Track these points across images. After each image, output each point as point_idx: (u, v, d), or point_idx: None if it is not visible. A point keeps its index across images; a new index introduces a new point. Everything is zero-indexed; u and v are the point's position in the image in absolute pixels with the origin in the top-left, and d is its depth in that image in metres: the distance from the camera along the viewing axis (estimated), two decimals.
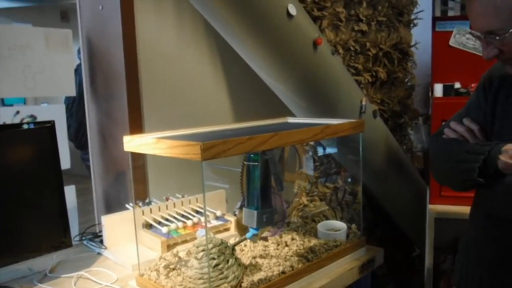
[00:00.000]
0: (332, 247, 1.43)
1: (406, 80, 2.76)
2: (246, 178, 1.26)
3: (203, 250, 1.18)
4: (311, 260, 1.34)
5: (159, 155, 1.12)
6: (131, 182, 1.62)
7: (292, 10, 1.63)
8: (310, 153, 2.21)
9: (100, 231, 1.61)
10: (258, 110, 2.17)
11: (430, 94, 2.13)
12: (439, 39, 2.02)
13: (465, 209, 1.35)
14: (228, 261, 1.18)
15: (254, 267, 1.27)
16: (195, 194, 1.71)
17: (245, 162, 1.25)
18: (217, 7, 1.56)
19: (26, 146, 1.33)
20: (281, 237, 1.50)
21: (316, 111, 1.91)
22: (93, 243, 1.57)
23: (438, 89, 2.00)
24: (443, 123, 1.33)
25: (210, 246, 1.18)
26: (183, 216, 1.60)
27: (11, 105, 2.66)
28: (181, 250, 1.37)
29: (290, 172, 1.61)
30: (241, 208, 1.29)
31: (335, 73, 1.90)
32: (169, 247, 1.44)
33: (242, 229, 1.35)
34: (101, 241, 1.56)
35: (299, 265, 1.30)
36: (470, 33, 1.13)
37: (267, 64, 1.76)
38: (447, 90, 1.99)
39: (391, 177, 2.32)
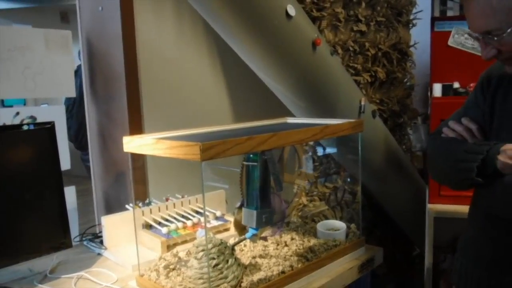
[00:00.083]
0: (331, 246, 1.43)
1: (405, 80, 2.76)
2: (245, 178, 1.27)
3: (202, 250, 1.19)
4: (311, 260, 1.34)
5: (159, 155, 1.12)
6: (131, 183, 1.63)
7: (291, 10, 1.64)
8: (310, 153, 2.21)
9: (100, 232, 1.61)
10: (257, 111, 2.17)
11: (429, 94, 2.13)
12: (438, 39, 2.02)
13: (465, 208, 1.35)
14: (227, 261, 1.18)
15: (254, 267, 1.27)
16: (195, 194, 1.71)
17: (244, 163, 1.25)
18: (216, 8, 1.57)
19: (26, 147, 1.33)
20: (280, 237, 1.50)
21: (315, 111, 1.91)
22: (93, 244, 1.58)
23: (437, 89, 2.00)
24: (441, 122, 1.34)
25: (209, 246, 1.18)
26: (183, 216, 1.60)
27: (11, 106, 2.66)
28: (181, 250, 1.37)
29: (290, 172, 1.61)
30: (239, 207, 1.29)
31: (334, 73, 1.90)
32: (169, 247, 1.45)
33: (239, 228, 1.35)
34: (101, 242, 1.56)
35: (299, 265, 1.30)
36: (468, 33, 1.13)
37: (266, 65, 1.76)
38: (446, 89, 2.00)
39: (390, 177, 2.32)
